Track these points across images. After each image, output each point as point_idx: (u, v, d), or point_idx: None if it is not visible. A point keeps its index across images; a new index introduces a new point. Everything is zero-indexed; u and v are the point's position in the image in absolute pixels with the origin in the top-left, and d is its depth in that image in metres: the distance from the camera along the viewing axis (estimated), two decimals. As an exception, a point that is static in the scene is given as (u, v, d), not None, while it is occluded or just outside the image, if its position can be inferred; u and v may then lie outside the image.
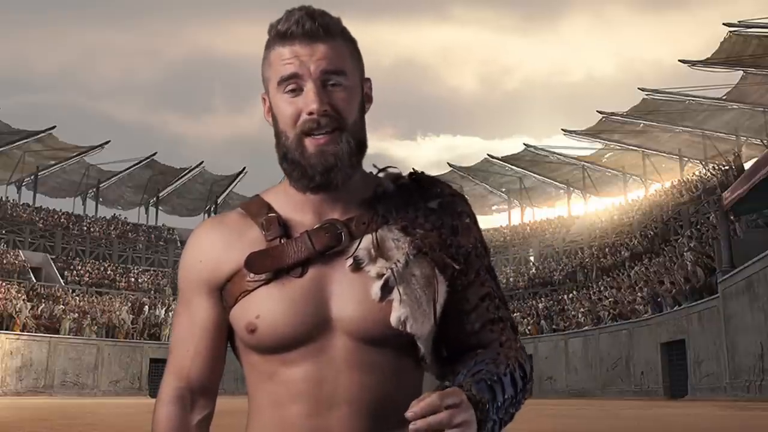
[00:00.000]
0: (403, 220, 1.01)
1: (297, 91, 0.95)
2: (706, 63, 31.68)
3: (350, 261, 0.97)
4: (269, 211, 1.03)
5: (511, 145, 75.97)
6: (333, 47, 0.96)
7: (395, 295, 0.95)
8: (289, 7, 0.97)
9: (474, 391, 0.86)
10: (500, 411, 0.91)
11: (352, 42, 1.00)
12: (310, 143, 0.95)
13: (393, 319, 0.95)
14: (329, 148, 0.95)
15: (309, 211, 1.01)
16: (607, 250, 30.83)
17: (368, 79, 1.04)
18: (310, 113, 0.94)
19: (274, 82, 0.97)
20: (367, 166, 1.07)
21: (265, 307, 0.96)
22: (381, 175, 1.06)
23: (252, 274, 0.98)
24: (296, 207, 1.02)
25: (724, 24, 30.07)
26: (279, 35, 0.96)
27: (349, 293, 0.97)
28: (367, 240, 0.98)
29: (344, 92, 0.96)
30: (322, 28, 0.95)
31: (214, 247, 1.03)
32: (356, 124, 0.98)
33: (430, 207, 1.03)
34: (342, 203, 1.01)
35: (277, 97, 0.98)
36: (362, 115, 1.01)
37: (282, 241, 0.99)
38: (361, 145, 0.99)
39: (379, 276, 0.96)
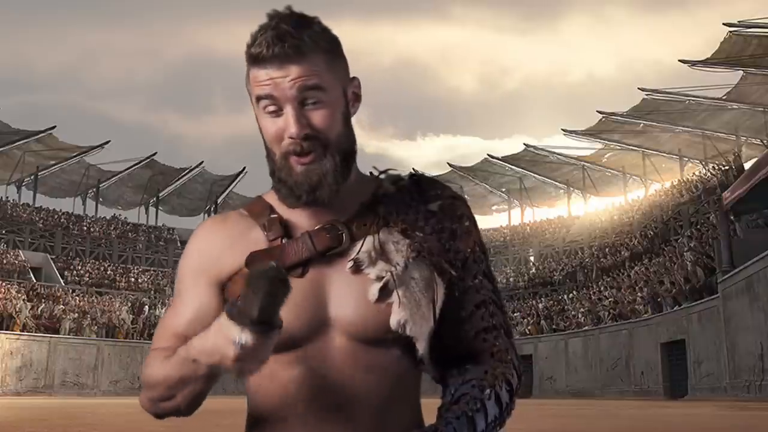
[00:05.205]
0: (403, 223, 1.01)
1: (277, 111, 0.95)
2: (706, 63, 31.66)
3: (350, 263, 0.97)
4: (271, 212, 1.03)
5: (511, 145, 76.32)
6: (306, 66, 0.93)
7: (395, 298, 0.96)
8: (287, 7, 0.96)
9: None
10: None
11: (329, 49, 0.97)
12: (295, 162, 0.95)
13: (393, 323, 0.95)
14: (314, 167, 0.95)
15: (309, 214, 1.01)
16: (607, 250, 30.81)
17: (354, 78, 1.02)
18: (291, 137, 0.94)
19: (254, 99, 0.97)
20: (368, 166, 1.07)
21: None
22: (382, 176, 1.06)
23: None
24: (297, 210, 1.02)
25: (724, 24, 30.06)
26: (252, 58, 0.94)
27: (348, 294, 0.97)
28: (369, 242, 0.98)
29: (324, 108, 0.95)
30: (292, 49, 0.92)
31: (216, 245, 1.04)
32: (341, 137, 0.97)
33: (430, 209, 1.03)
34: (342, 206, 1.00)
35: (259, 115, 0.97)
36: (348, 123, 1.00)
37: (283, 242, 1.00)
38: (348, 156, 0.99)
39: (379, 279, 0.96)
